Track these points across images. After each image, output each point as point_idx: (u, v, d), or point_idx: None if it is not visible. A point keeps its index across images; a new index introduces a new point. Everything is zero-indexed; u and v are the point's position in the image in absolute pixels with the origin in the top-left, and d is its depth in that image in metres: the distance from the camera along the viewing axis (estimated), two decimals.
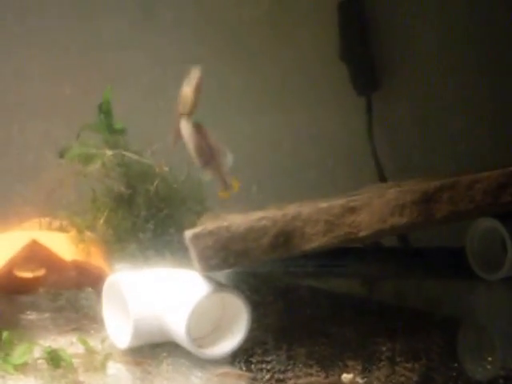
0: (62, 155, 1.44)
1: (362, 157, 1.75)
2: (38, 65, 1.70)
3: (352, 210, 1.25)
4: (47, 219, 1.45)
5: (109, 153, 1.39)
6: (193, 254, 1.21)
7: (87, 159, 1.41)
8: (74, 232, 1.36)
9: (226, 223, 1.23)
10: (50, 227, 1.42)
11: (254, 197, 1.73)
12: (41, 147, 1.55)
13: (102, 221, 1.36)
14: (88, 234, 1.37)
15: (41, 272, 1.43)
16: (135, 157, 1.39)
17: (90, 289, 1.44)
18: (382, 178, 1.74)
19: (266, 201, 1.70)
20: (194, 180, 1.47)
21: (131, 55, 1.71)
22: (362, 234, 1.25)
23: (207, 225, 1.25)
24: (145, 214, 1.39)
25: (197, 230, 1.22)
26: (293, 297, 1.52)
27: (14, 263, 1.35)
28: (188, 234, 1.22)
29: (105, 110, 1.44)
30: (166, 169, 1.40)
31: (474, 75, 1.75)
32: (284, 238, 1.22)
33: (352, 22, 1.75)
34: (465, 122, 1.74)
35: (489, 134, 1.73)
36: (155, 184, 1.40)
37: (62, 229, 1.41)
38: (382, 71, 1.76)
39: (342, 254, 1.53)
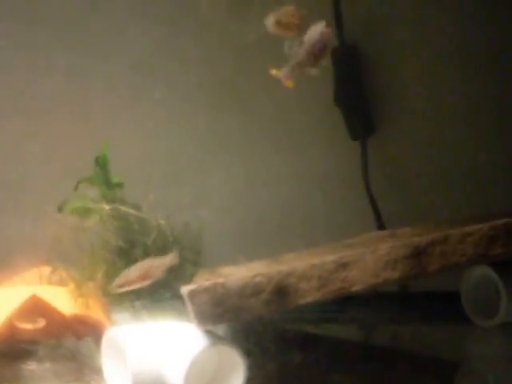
0: (60, 209, 1.46)
1: (358, 201, 1.76)
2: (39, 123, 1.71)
3: (345, 266, 1.28)
4: (47, 269, 1.46)
5: (106, 207, 1.41)
6: (190, 309, 1.24)
7: (85, 213, 1.44)
8: (72, 286, 1.38)
9: (221, 279, 1.25)
10: (49, 277, 1.44)
11: (248, 238, 1.75)
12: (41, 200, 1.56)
13: (100, 274, 1.38)
14: (87, 287, 1.39)
15: (41, 323, 1.45)
16: (132, 211, 1.41)
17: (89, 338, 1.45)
18: (379, 223, 1.74)
19: (258, 242, 1.74)
20: (191, 230, 1.49)
21: (128, 108, 1.73)
22: (355, 288, 1.28)
23: (203, 281, 1.27)
24: None
25: (193, 286, 1.25)
26: (291, 344, 1.54)
27: (15, 317, 1.37)
28: (184, 290, 1.25)
29: (101, 164, 1.46)
30: (162, 222, 1.42)
31: (471, 119, 1.76)
32: (279, 294, 1.25)
33: (346, 67, 1.76)
34: (462, 165, 1.75)
35: (486, 177, 1.74)
36: (152, 237, 1.42)
37: (61, 280, 1.42)
38: (376, 115, 1.77)
39: (339, 300, 1.53)
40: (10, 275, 1.53)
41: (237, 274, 1.32)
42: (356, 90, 1.77)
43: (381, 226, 1.78)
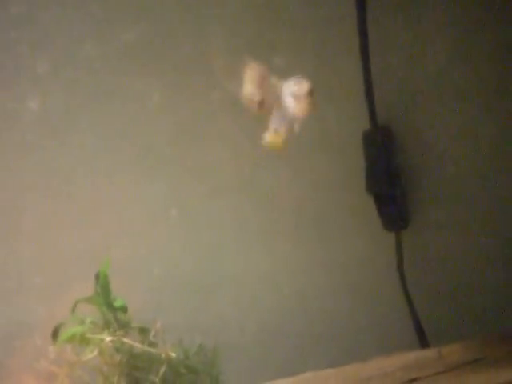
0: (54, 335, 1.27)
1: (393, 300, 1.56)
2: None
3: None
4: None
5: (107, 338, 1.21)
6: None
7: (83, 343, 1.23)
8: None
9: None
10: None
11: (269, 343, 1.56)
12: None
13: None
14: None
15: None
16: (137, 344, 1.21)
17: None
18: (416, 323, 1.55)
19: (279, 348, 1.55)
20: (207, 353, 1.29)
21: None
22: None
23: None
24: None
25: None
26: None
27: None
28: None
29: (102, 284, 1.26)
30: (173, 355, 1.22)
31: None
32: None
33: (378, 150, 1.56)
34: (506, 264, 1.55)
35: None
36: (161, 373, 1.22)
37: None
38: (412, 206, 1.57)
39: None
40: None
41: None
42: (389, 176, 1.57)
43: (418, 327, 1.57)
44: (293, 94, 1.16)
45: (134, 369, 1.24)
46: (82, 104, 1.54)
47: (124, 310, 1.29)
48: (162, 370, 1.23)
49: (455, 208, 1.60)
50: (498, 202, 1.60)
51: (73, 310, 1.31)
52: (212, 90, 1.51)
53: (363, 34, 1.54)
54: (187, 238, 1.56)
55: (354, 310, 1.59)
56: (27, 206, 1.53)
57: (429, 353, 1.38)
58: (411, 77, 1.59)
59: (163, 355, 1.24)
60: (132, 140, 1.55)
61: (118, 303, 1.29)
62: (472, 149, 1.60)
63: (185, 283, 1.53)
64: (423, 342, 1.56)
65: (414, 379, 1.25)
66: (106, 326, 1.26)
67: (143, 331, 1.28)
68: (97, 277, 1.30)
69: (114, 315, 1.28)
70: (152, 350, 1.23)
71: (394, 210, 1.59)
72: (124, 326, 1.27)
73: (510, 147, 1.60)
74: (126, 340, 1.23)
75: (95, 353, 1.23)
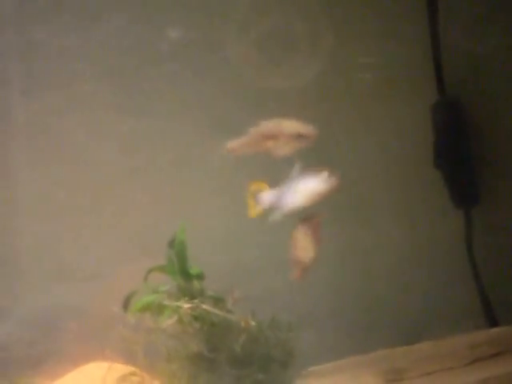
0: (126, 304, 1.22)
1: (462, 278, 1.52)
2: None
3: None
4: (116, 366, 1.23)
5: (185, 305, 1.17)
6: None
7: (159, 311, 1.19)
8: None
9: None
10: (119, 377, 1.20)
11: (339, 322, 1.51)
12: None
13: None
14: None
15: None
16: (216, 310, 1.16)
17: None
18: (487, 307, 1.50)
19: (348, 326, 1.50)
20: (281, 325, 1.25)
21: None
22: None
23: None
24: (230, 379, 1.17)
25: None
26: None
27: None
28: None
29: (178, 251, 1.22)
30: (253, 323, 1.17)
31: None
32: None
33: (447, 124, 1.52)
34: None
35: None
36: (241, 341, 1.17)
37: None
38: (483, 181, 1.53)
39: None
40: (71, 368, 1.34)
41: None
42: (459, 151, 1.52)
43: (487, 306, 1.53)
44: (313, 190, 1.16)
45: (212, 336, 1.19)
46: None
47: (201, 277, 1.25)
48: (243, 337, 1.18)
49: None
50: None
51: (145, 279, 1.26)
52: None
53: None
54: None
55: (423, 288, 1.55)
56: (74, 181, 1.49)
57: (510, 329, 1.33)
58: (480, 52, 1.55)
59: (243, 323, 1.20)
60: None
61: (194, 271, 1.24)
62: None
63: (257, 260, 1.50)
64: (491, 321, 1.51)
65: (499, 353, 1.21)
66: (182, 294, 1.21)
67: (220, 300, 1.23)
68: (171, 244, 1.26)
69: (190, 283, 1.23)
70: (232, 317, 1.19)
71: (463, 186, 1.55)
72: (200, 295, 1.22)
73: None
74: (204, 307, 1.18)
75: (174, 320, 1.19)
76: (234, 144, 1.20)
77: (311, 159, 1.50)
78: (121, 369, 1.24)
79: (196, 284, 1.24)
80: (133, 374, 1.22)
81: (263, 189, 1.18)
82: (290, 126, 1.19)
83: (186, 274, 1.23)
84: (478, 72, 1.55)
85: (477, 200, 1.54)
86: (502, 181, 1.55)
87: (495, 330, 1.31)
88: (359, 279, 1.54)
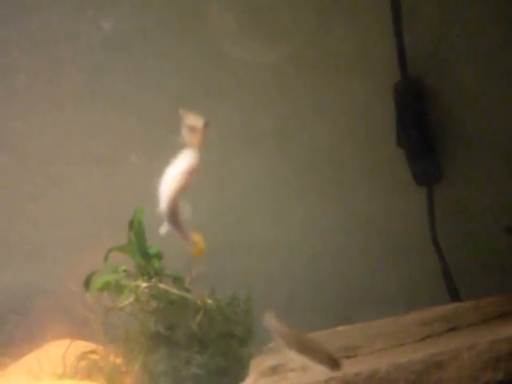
0: (87, 284, 1.24)
1: (424, 254, 1.54)
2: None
3: (437, 366, 1.05)
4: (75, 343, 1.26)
5: (143, 284, 1.19)
6: None
7: (117, 290, 1.21)
8: (103, 380, 1.16)
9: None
10: (76, 365, 1.22)
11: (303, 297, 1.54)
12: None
13: (137, 366, 1.16)
14: (121, 381, 1.17)
15: None
16: (173, 289, 1.19)
17: None
18: (449, 280, 1.52)
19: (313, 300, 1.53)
20: (240, 303, 1.27)
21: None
22: None
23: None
24: (186, 355, 1.19)
25: None
26: None
27: None
28: None
29: (136, 231, 1.24)
30: (210, 301, 1.20)
31: None
32: None
33: (409, 103, 1.54)
34: None
35: None
36: (198, 319, 1.20)
37: (90, 370, 1.21)
38: (444, 159, 1.54)
39: None
40: (33, 348, 1.37)
41: (303, 371, 1.10)
42: (421, 130, 1.54)
43: (449, 281, 1.55)
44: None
45: (169, 315, 1.21)
46: None
47: (159, 257, 1.27)
48: (199, 315, 1.21)
49: (488, 161, 1.58)
50: None
51: (105, 259, 1.28)
52: None
53: None
54: (217, 195, 1.54)
55: (386, 266, 1.57)
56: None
57: (466, 305, 1.35)
58: (442, 33, 1.56)
59: (199, 302, 1.22)
60: None
61: (152, 250, 1.26)
62: (504, 102, 1.57)
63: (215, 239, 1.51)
64: (455, 297, 1.54)
65: (452, 329, 1.23)
66: (141, 273, 1.23)
67: (178, 279, 1.25)
68: (130, 224, 1.28)
69: (149, 262, 1.25)
70: (188, 296, 1.21)
71: (425, 164, 1.57)
72: (159, 274, 1.25)
73: None
74: (162, 286, 1.20)
75: (131, 299, 1.21)
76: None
77: (276, 140, 1.52)
78: (81, 347, 1.27)
79: (155, 263, 1.25)
80: (92, 351, 1.24)
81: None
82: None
83: (144, 254, 1.25)
84: (439, 52, 1.56)
85: (439, 177, 1.56)
86: (464, 158, 1.56)
87: (448, 307, 1.33)
88: (320, 258, 1.55)
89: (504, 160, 1.56)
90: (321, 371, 1.05)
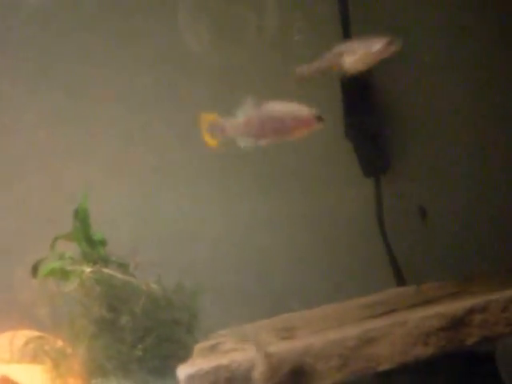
0: (34, 270, 1.27)
1: (372, 245, 1.57)
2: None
3: (369, 342, 1.08)
4: (20, 334, 1.27)
5: (87, 269, 1.21)
6: None
7: (63, 276, 1.24)
8: (49, 363, 1.18)
9: (225, 361, 1.06)
10: (22, 350, 1.24)
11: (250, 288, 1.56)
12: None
13: (82, 349, 1.18)
14: (66, 365, 1.19)
15: None
16: (117, 274, 1.21)
17: None
18: (395, 267, 1.55)
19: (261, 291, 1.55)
20: (186, 290, 1.29)
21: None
22: (382, 368, 1.08)
23: (202, 361, 1.08)
24: (131, 339, 1.21)
25: (191, 369, 1.06)
26: None
27: None
28: (181, 373, 1.05)
29: (81, 219, 1.26)
30: (154, 286, 1.22)
31: (493, 150, 1.57)
32: (292, 376, 1.06)
33: (356, 95, 1.57)
34: (489, 203, 1.56)
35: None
36: (141, 303, 1.22)
37: (36, 355, 1.23)
38: (392, 150, 1.58)
39: None
40: None
41: (241, 350, 1.12)
42: (368, 122, 1.57)
43: (397, 271, 1.59)
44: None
45: (114, 299, 1.24)
46: None
47: (103, 243, 1.29)
48: (142, 299, 1.23)
49: (435, 154, 1.61)
50: (479, 146, 1.61)
51: (52, 247, 1.31)
52: None
53: None
54: (168, 184, 1.57)
55: (335, 256, 1.60)
56: None
57: (408, 289, 1.38)
58: (390, 25, 1.59)
59: (144, 286, 1.24)
60: None
61: (97, 237, 1.29)
62: (451, 94, 1.60)
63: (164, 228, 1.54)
64: (401, 283, 1.57)
65: (392, 311, 1.26)
66: (86, 259, 1.26)
67: (122, 265, 1.28)
68: (75, 212, 1.30)
69: (94, 249, 1.27)
70: (132, 280, 1.23)
71: (372, 156, 1.60)
72: (103, 260, 1.27)
73: (491, 90, 1.61)
74: (105, 271, 1.22)
75: (75, 284, 1.23)
76: (303, 69, 1.19)
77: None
78: (29, 335, 1.29)
79: (99, 249, 1.27)
80: (40, 337, 1.26)
81: (214, 119, 1.17)
82: (365, 42, 1.18)
83: (89, 241, 1.27)
84: None
85: (386, 168, 1.59)
86: (411, 149, 1.59)
87: (390, 291, 1.36)
88: (267, 248, 1.58)
89: (449, 151, 1.59)
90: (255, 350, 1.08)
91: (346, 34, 1.53)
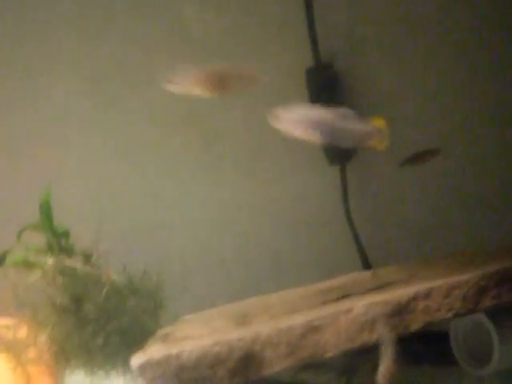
0: (0, 261, 1.31)
1: (339, 230, 1.61)
2: None
3: (316, 330, 1.12)
4: None
5: (49, 261, 1.26)
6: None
7: (27, 266, 1.28)
8: (10, 352, 1.22)
9: (175, 350, 1.10)
10: None
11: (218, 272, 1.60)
12: None
13: (43, 338, 1.22)
14: (27, 354, 1.23)
15: None
16: (78, 264, 1.25)
17: None
18: (361, 253, 1.59)
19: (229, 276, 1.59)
20: (151, 278, 1.33)
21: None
22: (328, 355, 1.12)
23: (155, 350, 1.13)
24: (93, 327, 1.25)
25: (143, 358, 1.10)
26: None
27: None
28: (134, 362, 1.10)
29: (45, 211, 1.30)
30: (114, 277, 1.26)
31: (461, 138, 1.60)
32: (242, 364, 1.10)
33: (321, 86, 1.60)
34: (454, 190, 1.59)
35: (480, 202, 1.59)
36: (104, 292, 1.26)
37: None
38: None
39: None
40: None
41: (194, 338, 1.17)
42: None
43: (363, 256, 1.62)
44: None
45: (76, 290, 1.28)
46: None
47: (66, 235, 1.33)
48: (104, 290, 1.27)
49: (396, 143, 1.63)
50: (444, 133, 1.64)
51: (18, 238, 1.34)
52: None
53: None
54: (132, 171, 1.61)
55: (302, 242, 1.63)
56: None
57: (365, 274, 1.42)
58: (355, 17, 1.62)
59: (104, 278, 1.28)
60: None
61: (60, 229, 1.33)
62: (414, 85, 1.63)
63: (130, 217, 1.58)
64: (367, 268, 1.61)
65: (347, 295, 1.30)
66: (50, 250, 1.30)
67: (86, 255, 1.32)
68: (41, 206, 1.34)
69: (57, 240, 1.31)
70: (93, 270, 1.27)
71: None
72: (66, 251, 1.31)
73: (457, 76, 1.63)
74: (67, 262, 1.26)
75: (38, 275, 1.27)
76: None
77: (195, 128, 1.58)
78: None
79: (63, 241, 1.31)
80: (4, 326, 1.30)
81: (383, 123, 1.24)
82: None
83: (52, 232, 1.31)
84: (352, 37, 1.62)
85: (350, 156, 1.62)
86: None
87: (348, 276, 1.40)
88: (238, 233, 1.62)
89: (413, 140, 1.62)
90: (206, 337, 1.12)
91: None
